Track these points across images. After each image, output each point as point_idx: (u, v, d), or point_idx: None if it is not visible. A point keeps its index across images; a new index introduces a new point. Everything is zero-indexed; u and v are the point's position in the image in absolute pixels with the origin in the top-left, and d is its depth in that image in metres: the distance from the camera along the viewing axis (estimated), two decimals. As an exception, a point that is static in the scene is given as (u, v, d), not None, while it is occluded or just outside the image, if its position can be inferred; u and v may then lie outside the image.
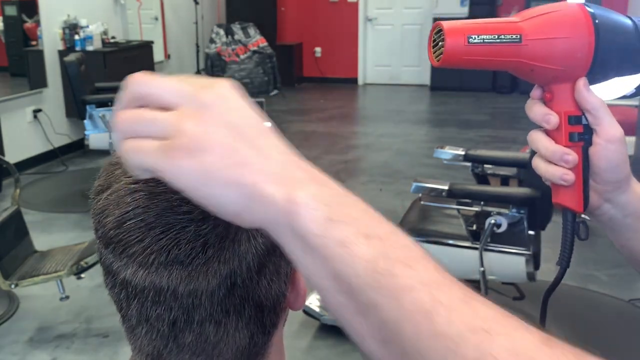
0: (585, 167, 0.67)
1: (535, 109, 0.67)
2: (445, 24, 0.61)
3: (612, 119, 0.66)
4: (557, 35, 0.63)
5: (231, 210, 0.43)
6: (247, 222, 0.43)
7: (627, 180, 0.69)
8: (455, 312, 0.40)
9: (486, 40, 0.60)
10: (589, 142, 0.66)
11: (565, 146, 0.66)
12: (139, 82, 0.44)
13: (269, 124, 0.45)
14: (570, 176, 0.66)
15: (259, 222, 0.43)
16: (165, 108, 0.43)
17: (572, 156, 0.65)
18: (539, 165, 0.68)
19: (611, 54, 0.64)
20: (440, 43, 0.61)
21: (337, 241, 0.41)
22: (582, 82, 0.65)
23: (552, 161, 0.66)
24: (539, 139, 0.67)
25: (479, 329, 0.39)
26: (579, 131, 0.66)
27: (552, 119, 0.65)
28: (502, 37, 0.61)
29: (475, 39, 0.60)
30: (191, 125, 0.41)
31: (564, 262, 0.71)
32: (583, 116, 0.66)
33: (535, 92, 0.68)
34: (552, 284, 0.72)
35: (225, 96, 0.43)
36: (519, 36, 0.61)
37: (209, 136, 0.41)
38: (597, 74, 0.65)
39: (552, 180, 0.67)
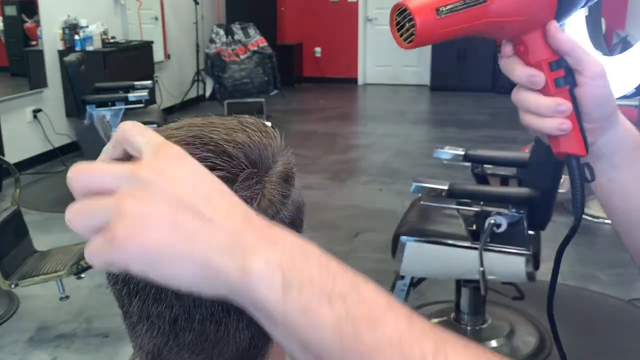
0: (577, 110, 0.65)
1: (518, 71, 0.65)
2: (408, 3, 0.58)
3: (591, 56, 0.65)
4: None
5: (192, 287, 0.41)
6: (210, 295, 0.42)
7: (614, 115, 0.68)
8: None
9: (454, 9, 0.58)
10: (574, 84, 0.65)
11: (553, 95, 0.64)
12: (77, 176, 0.42)
13: (220, 183, 0.43)
14: (567, 124, 0.65)
15: (222, 294, 0.41)
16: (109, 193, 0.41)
17: (566, 105, 0.64)
18: (532, 122, 0.66)
19: None
20: (407, 24, 0.59)
21: (299, 309, 0.40)
22: (552, 26, 0.64)
23: (546, 115, 0.65)
24: (526, 98, 0.65)
25: None
26: (562, 75, 0.64)
27: (538, 79, 0.64)
28: (468, 1, 0.59)
29: (443, 10, 0.57)
30: (130, 206, 0.40)
31: (578, 210, 0.70)
32: (561, 59, 0.65)
33: (506, 49, 0.65)
34: (568, 234, 0.71)
35: (164, 169, 0.41)
36: None
37: (149, 214, 0.39)
38: (564, 11, 0.64)
39: (550, 133, 0.66)
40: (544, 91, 0.65)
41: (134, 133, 0.43)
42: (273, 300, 0.40)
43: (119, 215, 0.40)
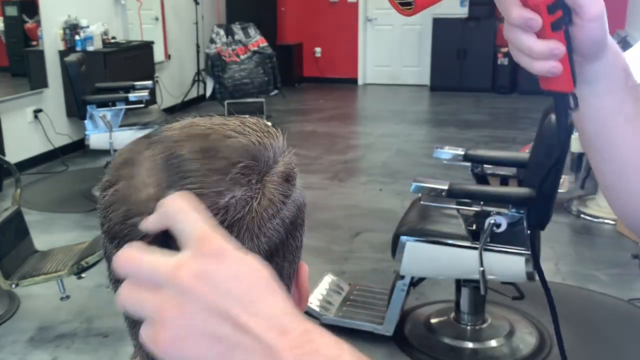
0: (569, 49, 0.64)
1: (514, 13, 0.62)
2: None
3: None
4: None
5: None
6: None
7: (605, 47, 0.67)
8: None
9: None
10: (570, 22, 0.63)
11: (548, 38, 0.62)
12: (124, 264, 0.44)
13: (265, 267, 0.44)
14: (559, 67, 0.63)
15: None
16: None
17: (560, 49, 0.63)
18: (523, 60, 0.64)
19: None
20: None
21: None
22: None
23: (539, 59, 0.63)
24: (520, 39, 0.63)
25: None
26: (559, 17, 0.62)
27: (535, 23, 0.61)
28: None
29: None
30: (171, 316, 0.42)
31: (562, 142, 0.69)
32: (560, 0, 0.62)
33: None
34: (553, 163, 0.71)
35: (203, 273, 0.42)
36: None
37: (189, 327, 0.41)
38: None
39: (540, 74, 0.65)
40: (539, 34, 0.63)
41: (179, 219, 0.44)
42: None
43: (161, 323, 0.42)
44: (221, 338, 0.41)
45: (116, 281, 0.54)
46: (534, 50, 0.63)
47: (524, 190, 2.55)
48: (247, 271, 0.43)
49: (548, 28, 0.62)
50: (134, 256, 0.44)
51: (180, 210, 0.45)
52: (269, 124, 0.58)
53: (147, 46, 6.82)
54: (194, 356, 0.42)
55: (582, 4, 0.62)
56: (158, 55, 7.16)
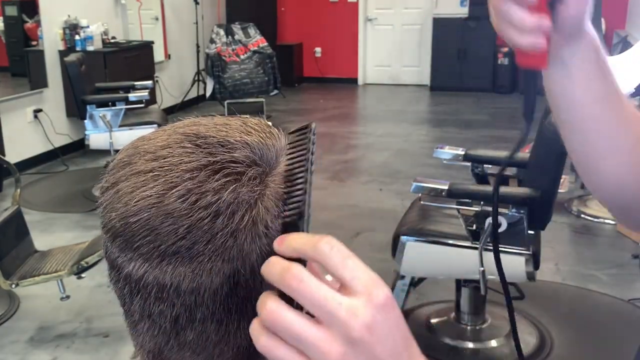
0: (553, 26, 0.64)
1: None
2: None
3: None
4: None
5: None
6: None
7: (583, 29, 0.68)
8: None
9: None
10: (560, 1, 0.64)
11: (539, 13, 0.63)
12: (294, 280, 0.44)
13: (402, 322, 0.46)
14: (542, 43, 0.64)
15: None
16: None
17: (547, 25, 0.63)
18: (508, 33, 0.65)
19: None
20: None
21: None
22: None
23: (526, 32, 0.63)
24: (511, 12, 0.63)
25: None
26: None
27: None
28: None
29: None
30: None
31: (529, 112, 0.71)
32: None
33: None
34: (520, 139, 0.73)
35: (373, 325, 0.44)
36: None
37: None
38: None
39: (523, 48, 0.65)
40: (531, 7, 0.63)
41: (350, 265, 0.45)
42: None
43: None
44: None
45: (116, 282, 0.54)
46: (526, 23, 0.63)
47: (524, 191, 2.55)
48: (402, 327, 0.45)
49: (544, 4, 0.63)
50: (303, 277, 0.44)
51: (349, 256, 0.45)
52: (270, 124, 0.58)
53: (147, 46, 6.82)
54: None
55: None
56: (158, 55, 7.15)
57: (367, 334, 0.43)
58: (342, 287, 0.44)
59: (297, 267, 0.45)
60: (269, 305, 0.45)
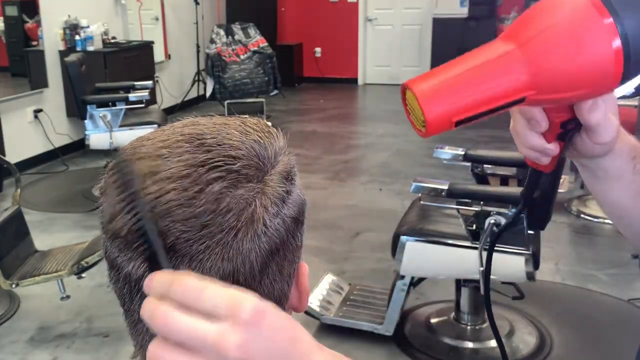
0: (563, 151, 0.64)
1: (531, 140, 0.63)
2: (418, 94, 0.53)
3: (609, 122, 0.61)
4: (570, 59, 0.50)
5: None
6: None
7: (613, 148, 0.66)
8: None
9: (477, 115, 0.52)
10: (576, 134, 0.63)
11: (549, 142, 0.63)
12: (158, 321, 0.44)
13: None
14: (545, 160, 0.65)
15: None
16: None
17: (555, 152, 0.64)
18: (516, 139, 0.66)
19: None
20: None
21: None
22: (586, 106, 0.58)
23: (531, 150, 0.65)
24: (527, 138, 0.64)
25: None
26: (571, 128, 0.62)
27: (543, 126, 0.62)
28: (497, 108, 0.51)
29: (461, 118, 0.51)
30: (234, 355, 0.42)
31: (527, 198, 0.71)
32: (576, 119, 0.61)
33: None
34: (513, 217, 0.74)
35: (245, 344, 0.43)
36: (520, 98, 0.51)
37: None
38: (630, 76, 0.52)
39: (527, 159, 0.67)
40: (546, 136, 0.63)
41: (197, 302, 0.43)
42: None
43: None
44: None
45: (116, 281, 0.54)
46: (530, 143, 0.64)
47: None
48: (282, 331, 0.45)
49: (553, 137, 0.63)
50: (169, 316, 0.43)
51: (203, 287, 0.44)
52: (269, 124, 0.58)
53: (147, 46, 6.82)
54: None
55: (598, 132, 0.62)
56: (158, 55, 7.15)
57: (242, 354, 0.42)
58: (209, 317, 0.43)
59: (162, 307, 0.43)
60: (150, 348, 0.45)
